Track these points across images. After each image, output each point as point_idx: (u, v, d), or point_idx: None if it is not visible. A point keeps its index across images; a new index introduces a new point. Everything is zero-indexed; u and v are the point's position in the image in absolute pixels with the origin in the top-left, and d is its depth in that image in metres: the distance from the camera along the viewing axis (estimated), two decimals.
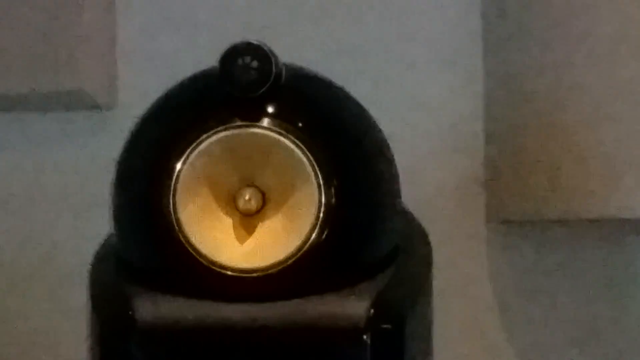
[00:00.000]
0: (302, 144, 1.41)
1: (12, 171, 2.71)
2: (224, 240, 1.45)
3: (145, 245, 1.50)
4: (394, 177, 1.54)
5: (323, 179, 1.40)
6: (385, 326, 1.40)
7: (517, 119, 2.43)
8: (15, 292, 2.58)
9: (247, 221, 1.44)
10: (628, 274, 2.51)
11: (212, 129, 1.42)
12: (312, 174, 1.40)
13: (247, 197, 1.40)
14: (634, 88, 2.16)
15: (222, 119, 1.43)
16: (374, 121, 1.55)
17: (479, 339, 2.47)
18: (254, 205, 1.41)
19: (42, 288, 2.59)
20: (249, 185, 1.43)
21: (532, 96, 2.37)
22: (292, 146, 1.41)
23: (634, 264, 2.53)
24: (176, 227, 1.41)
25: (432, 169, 2.48)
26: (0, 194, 2.64)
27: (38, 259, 2.62)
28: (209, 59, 1.49)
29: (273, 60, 1.39)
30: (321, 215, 1.39)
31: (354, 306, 1.43)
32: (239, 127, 1.42)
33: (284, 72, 1.43)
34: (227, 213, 1.46)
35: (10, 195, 2.63)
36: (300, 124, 1.43)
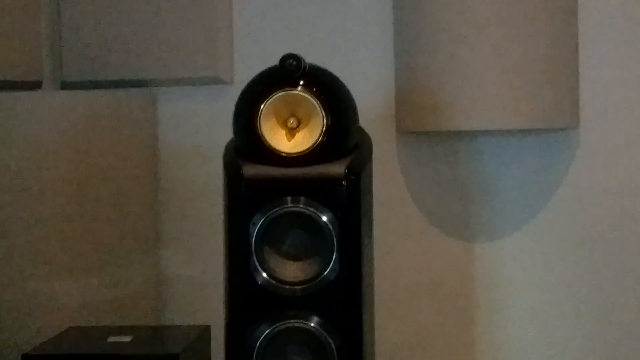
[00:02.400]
0: (315, 97, 2.46)
1: (173, 129, 3.42)
2: (281, 140, 2.48)
3: (247, 140, 2.52)
4: (355, 111, 2.58)
5: (324, 113, 2.46)
6: (352, 177, 2.46)
7: (420, 57, 3.02)
8: None
9: (291, 132, 2.49)
10: (486, 172, 3.15)
11: (276, 91, 2.47)
12: (320, 110, 2.45)
13: (291, 121, 2.48)
14: (486, 37, 2.88)
15: (280, 86, 2.47)
16: (345, 85, 2.56)
17: (394, 208, 3.21)
18: (294, 124, 2.48)
19: None
20: (292, 115, 2.48)
21: (434, 37, 2.96)
22: (311, 98, 2.46)
23: (484, 165, 3.15)
24: (260, 133, 2.46)
25: (358, 95, 2.83)
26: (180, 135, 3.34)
27: None
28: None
29: (302, 60, 2.46)
30: (324, 128, 2.44)
31: (338, 168, 2.46)
32: (288, 90, 2.47)
33: (307, 66, 2.47)
34: (282, 128, 2.49)
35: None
36: (314, 88, 2.48)
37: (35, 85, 3.43)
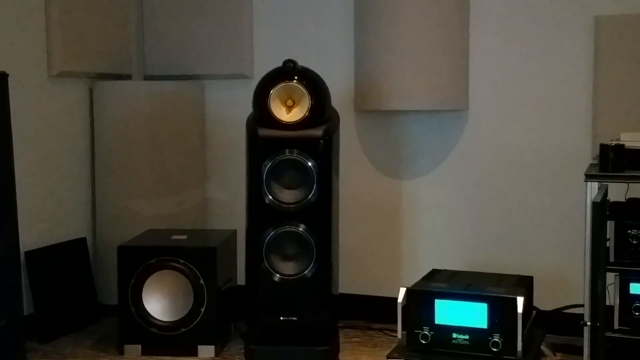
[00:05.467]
0: (304, 87, 2.48)
1: (214, 107, 3.34)
2: (282, 113, 2.50)
3: (261, 113, 2.53)
4: (328, 96, 2.58)
5: (310, 97, 2.47)
6: (326, 138, 2.49)
7: (367, 61, 2.94)
8: None
9: (289, 108, 2.50)
10: (409, 136, 3.10)
11: (280, 83, 2.49)
12: (307, 95, 2.47)
13: (289, 102, 2.50)
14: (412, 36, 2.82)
15: (282, 80, 2.49)
16: (322, 79, 2.56)
17: (352, 158, 3.17)
18: (291, 104, 2.50)
19: None
20: (289, 98, 2.50)
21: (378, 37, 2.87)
22: (301, 87, 2.48)
23: (408, 132, 3.08)
24: (269, 109, 2.48)
25: (331, 85, 2.76)
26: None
27: None
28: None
29: (296, 64, 2.47)
30: (309, 107, 2.47)
31: (318, 132, 2.49)
32: (287, 82, 2.49)
33: (299, 67, 2.48)
34: (283, 106, 2.50)
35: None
36: (303, 81, 2.49)
37: (126, 77, 3.40)
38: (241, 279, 2.89)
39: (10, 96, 2.15)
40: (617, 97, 2.72)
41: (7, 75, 1.89)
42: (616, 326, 2.16)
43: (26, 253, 2.86)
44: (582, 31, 2.81)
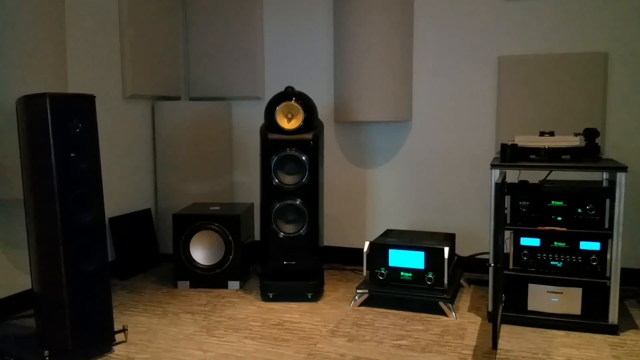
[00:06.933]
0: (299, 105, 2.44)
1: (238, 120, 3.21)
2: (285, 123, 2.46)
3: (270, 123, 2.48)
4: (316, 111, 2.52)
5: (304, 112, 2.43)
6: (315, 140, 2.44)
7: (341, 85, 2.84)
8: None
9: (289, 120, 2.46)
10: (371, 139, 3.00)
11: (283, 102, 2.45)
12: (302, 111, 2.43)
13: (289, 115, 2.45)
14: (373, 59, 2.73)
15: (284, 100, 2.45)
16: (312, 99, 2.51)
17: (332, 154, 3.09)
18: (290, 117, 2.45)
19: None
20: (289, 112, 2.46)
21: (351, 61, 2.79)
22: (298, 105, 2.44)
23: (371, 136, 2.99)
24: (275, 120, 2.44)
25: (318, 102, 2.92)
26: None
27: None
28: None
29: (294, 89, 2.43)
30: (303, 119, 2.43)
31: (309, 136, 2.44)
32: (288, 102, 2.44)
33: (296, 91, 2.45)
34: (285, 118, 2.46)
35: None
36: (299, 101, 2.45)
37: (176, 98, 3.33)
38: (257, 236, 2.89)
39: (97, 112, 2.13)
40: (512, 113, 2.71)
41: (94, 97, 1.88)
42: (511, 266, 2.16)
43: (110, 219, 2.83)
44: (490, 66, 2.79)
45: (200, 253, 2.66)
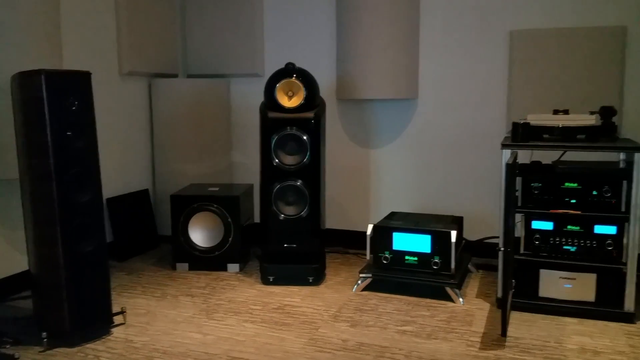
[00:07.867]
0: (300, 82, 2.41)
1: (237, 97, 3.16)
2: (285, 101, 2.42)
3: (269, 101, 2.44)
4: (317, 88, 2.48)
5: (304, 89, 2.39)
6: (316, 118, 2.41)
7: (345, 61, 2.81)
8: None
9: (289, 98, 2.43)
10: (375, 118, 2.97)
11: (283, 79, 2.41)
12: (303, 88, 2.40)
13: (290, 93, 2.42)
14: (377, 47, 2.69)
15: (285, 77, 2.41)
16: (313, 76, 2.47)
17: (334, 133, 3.04)
18: (291, 94, 2.42)
19: None
20: (290, 90, 2.42)
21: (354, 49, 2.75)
22: (298, 82, 2.41)
23: (375, 114, 2.96)
24: (276, 97, 2.40)
25: (320, 80, 2.92)
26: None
27: None
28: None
29: (294, 65, 2.39)
30: (304, 96, 2.39)
31: (310, 114, 2.41)
32: (288, 79, 2.41)
33: (297, 67, 2.41)
34: (285, 95, 2.42)
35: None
36: (300, 78, 2.41)
37: (174, 76, 3.30)
38: (257, 218, 2.87)
39: (93, 89, 2.09)
40: (524, 90, 2.68)
41: (90, 73, 1.88)
42: (522, 251, 2.14)
43: (107, 199, 2.83)
44: (501, 42, 2.75)
45: (199, 235, 2.66)
